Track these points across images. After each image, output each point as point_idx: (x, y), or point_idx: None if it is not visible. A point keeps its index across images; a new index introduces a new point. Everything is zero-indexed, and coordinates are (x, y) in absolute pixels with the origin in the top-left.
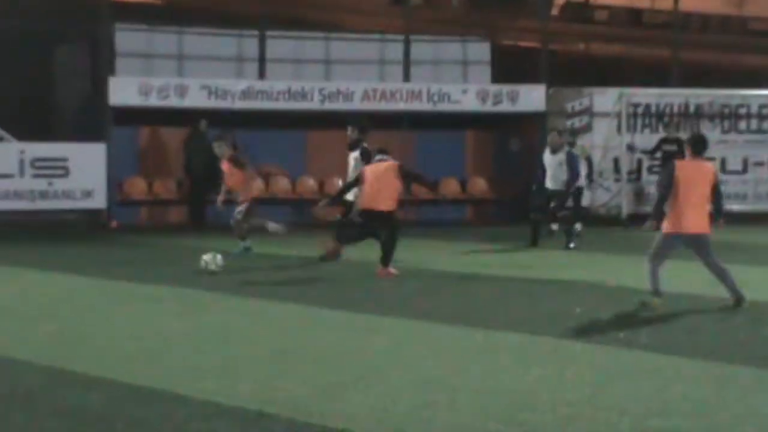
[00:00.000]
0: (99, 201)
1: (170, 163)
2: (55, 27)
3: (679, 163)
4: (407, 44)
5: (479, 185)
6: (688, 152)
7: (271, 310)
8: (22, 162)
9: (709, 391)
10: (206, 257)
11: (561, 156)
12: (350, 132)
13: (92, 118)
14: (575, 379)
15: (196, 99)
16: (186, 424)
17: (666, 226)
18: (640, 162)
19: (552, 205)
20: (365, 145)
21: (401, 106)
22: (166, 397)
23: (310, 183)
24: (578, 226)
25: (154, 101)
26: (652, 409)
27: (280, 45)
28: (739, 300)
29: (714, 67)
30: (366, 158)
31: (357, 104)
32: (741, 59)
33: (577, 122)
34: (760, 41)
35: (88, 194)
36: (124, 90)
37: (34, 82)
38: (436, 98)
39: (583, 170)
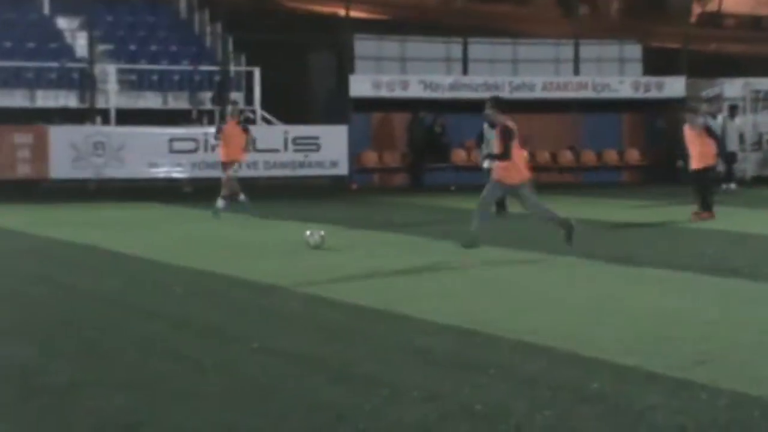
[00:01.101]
0: (342, 169)
1: (395, 140)
2: (309, 38)
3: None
4: (576, 46)
5: (633, 154)
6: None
7: (479, 251)
8: (285, 140)
9: None
10: (308, 232)
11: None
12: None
13: (337, 107)
14: (709, 304)
15: (415, 91)
16: (410, 338)
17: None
18: (761, 135)
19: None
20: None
21: (571, 94)
22: (393, 316)
23: None
24: (732, 186)
25: (383, 93)
26: None
27: (478, 48)
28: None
29: None
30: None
31: (538, 93)
32: None
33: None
34: None
35: (334, 164)
36: (361, 85)
37: (294, 80)
38: (599, 88)
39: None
